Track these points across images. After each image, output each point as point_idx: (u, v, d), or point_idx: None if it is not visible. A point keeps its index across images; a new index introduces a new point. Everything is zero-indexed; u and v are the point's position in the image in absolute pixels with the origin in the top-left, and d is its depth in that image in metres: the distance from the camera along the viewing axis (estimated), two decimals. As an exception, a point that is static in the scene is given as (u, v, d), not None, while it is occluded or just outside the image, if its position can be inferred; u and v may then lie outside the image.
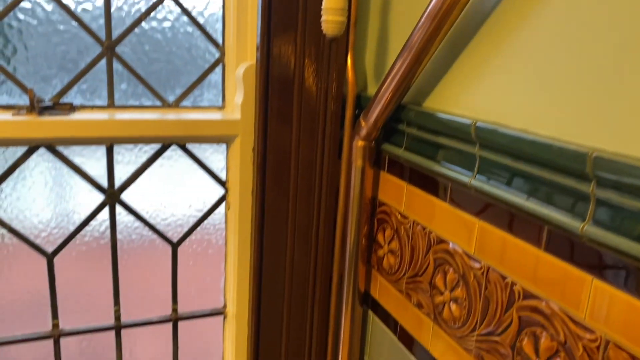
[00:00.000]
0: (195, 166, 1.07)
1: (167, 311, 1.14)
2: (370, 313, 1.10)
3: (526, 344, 0.69)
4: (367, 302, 1.11)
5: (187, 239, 1.12)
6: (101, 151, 0.99)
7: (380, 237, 1.05)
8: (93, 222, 1.03)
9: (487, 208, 0.75)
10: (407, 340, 0.97)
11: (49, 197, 0.99)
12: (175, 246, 1.10)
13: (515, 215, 0.70)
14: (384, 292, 1.04)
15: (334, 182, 1.08)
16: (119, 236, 1.05)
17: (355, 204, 1.04)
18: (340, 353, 1.11)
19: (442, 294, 0.86)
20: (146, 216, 1.06)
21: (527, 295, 0.69)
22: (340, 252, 1.11)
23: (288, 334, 1.15)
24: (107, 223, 1.03)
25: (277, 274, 1.12)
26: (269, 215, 1.08)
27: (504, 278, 0.73)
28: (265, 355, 1.16)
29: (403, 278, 0.97)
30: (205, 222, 1.12)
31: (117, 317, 1.08)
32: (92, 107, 1.00)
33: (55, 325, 1.04)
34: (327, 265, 1.13)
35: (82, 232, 1.03)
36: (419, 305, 0.92)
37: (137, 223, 1.06)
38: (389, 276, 1.02)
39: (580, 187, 0.60)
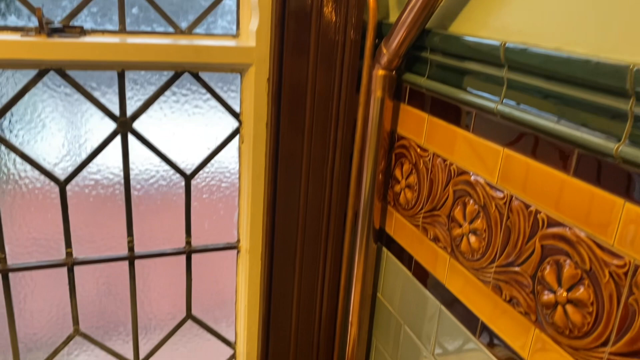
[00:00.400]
0: (207, 96, 1.04)
1: (181, 245, 1.13)
2: (384, 250, 1.09)
3: (548, 273, 0.67)
4: (382, 238, 1.10)
5: (201, 172, 1.10)
6: (113, 77, 0.97)
7: (397, 172, 1.02)
8: (106, 152, 1.02)
9: (512, 135, 0.72)
10: (422, 275, 0.96)
11: (59, 122, 0.97)
12: (188, 179, 1.08)
13: (542, 141, 0.67)
14: (399, 228, 1.03)
15: (352, 115, 1.05)
16: (132, 166, 1.03)
17: (373, 138, 1.01)
18: (353, 289, 1.11)
19: (460, 226, 0.83)
20: (159, 149, 1.04)
21: (552, 223, 0.66)
22: (355, 188, 1.09)
23: (301, 269, 1.14)
24: (120, 153, 1.02)
25: (291, 210, 1.10)
26: (283, 148, 1.05)
27: (527, 207, 0.70)
28: (278, 290, 1.16)
29: (420, 213, 0.95)
30: (219, 155, 1.10)
31: (131, 248, 1.08)
32: (103, 32, 0.96)
33: (69, 254, 1.04)
34: (342, 201, 1.11)
35: (95, 162, 1.01)
36: (436, 240, 0.90)
37: (150, 154, 1.04)
38: (405, 211, 1.00)
39: (617, 105, 0.56)
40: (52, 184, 1.00)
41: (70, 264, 1.05)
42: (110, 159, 1.03)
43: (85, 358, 1.15)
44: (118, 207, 1.06)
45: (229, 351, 1.26)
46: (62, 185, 1.00)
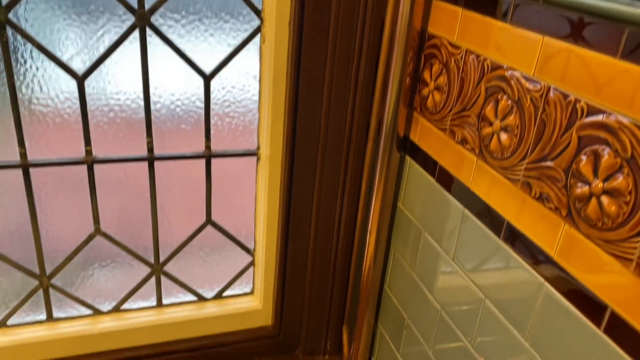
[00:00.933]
0: (229, -9, 0.99)
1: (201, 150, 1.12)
2: (408, 158, 1.06)
3: (584, 165, 0.64)
4: (405, 147, 1.07)
5: (221, 73, 1.06)
6: (130, -35, 0.92)
7: (426, 75, 0.98)
8: (123, 49, 0.98)
9: (554, 21, 0.67)
10: (446, 180, 0.93)
11: (76, 12, 0.94)
12: (207, 79, 1.05)
13: (588, 23, 0.62)
14: (424, 133, 0.99)
15: (380, 14, 0.99)
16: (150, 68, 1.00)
17: (402, 39, 0.96)
18: (373, 198, 1.09)
19: (491, 124, 0.80)
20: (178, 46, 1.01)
21: (592, 111, 0.62)
22: (381, 93, 1.05)
23: (321, 178, 1.13)
24: (138, 48, 0.98)
25: (313, 116, 1.07)
26: (306, 50, 1.01)
27: (565, 97, 0.66)
28: (298, 198, 1.15)
29: (448, 115, 0.91)
30: (239, 56, 1.06)
31: (150, 149, 1.07)
32: None
33: (89, 152, 1.03)
34: (366, 107, 1.08)
35: (113, 58, 0.98)
36: (463, 142, 0.87)
37: (170, 56, 1.01)
38: (432, 116, 0.96)
39: (680, -30, 0.51)
40: (70, 78, 0.97)
41: (90, 162, 1.04)
42: (129, 56, 1.00)
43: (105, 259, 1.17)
44: (136, 106, 1.04)
45: (247, 258, 1.27)
46: (80, 80, 0.98)
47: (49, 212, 1.08)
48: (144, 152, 1.07)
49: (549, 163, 0.69)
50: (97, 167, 1.06)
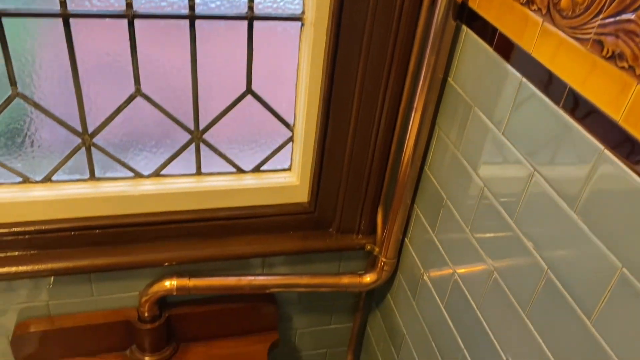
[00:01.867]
0: None
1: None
2: (464, 28, 0.99)
3: (672, 13, 0.56)
4: (462, 16, 0.99)
5: None
6: None
7: None
8: None
9: None
10: (506, 47, 0.86)
11: None
12: None
13: None
14: (485, -2, 0.91)
15: None
16: None
17: None
18: (422, 73, 1.03)
19: (565, -22, 0.72)
20: None
21: (692, -52, 0.54)
22: (440, -47, 0.96)
23: (368, 48, 1.07)
24: None
25: (364, -22, 1.00)
26: None
27: None
28: (342, 70, 1.10)
29: (515, -26, 0.83)
30: None
31: (192, 7, 1.02)
32: None
33: (129, 5, 0.99)
34: (423, -31, 0.99)
35: None
36: (529, 2, 0.79)
37: None
38: (496, -24, 0.88)
39: None
40: None
41: (130, 16, 1.00)
42: None
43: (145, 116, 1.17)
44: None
45: (287, 133, 1.25)
46: None
47: (90, 69, 1.07)
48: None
49: (628, 15, 0.62)
50: (138, 25, 1.02)
